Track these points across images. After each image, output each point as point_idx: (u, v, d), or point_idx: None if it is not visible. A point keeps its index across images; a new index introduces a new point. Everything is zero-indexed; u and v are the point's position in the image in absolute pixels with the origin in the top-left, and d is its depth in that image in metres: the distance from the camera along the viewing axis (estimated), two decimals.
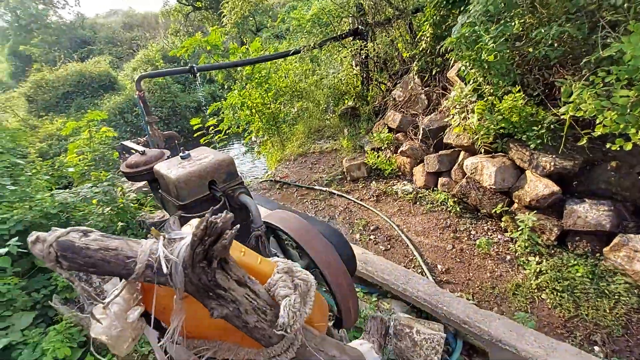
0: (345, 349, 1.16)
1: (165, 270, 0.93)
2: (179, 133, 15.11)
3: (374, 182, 5.22)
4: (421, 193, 4.67)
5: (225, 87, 10.62)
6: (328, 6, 6.96)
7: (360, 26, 6.93)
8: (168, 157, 2.09)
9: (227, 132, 9.11)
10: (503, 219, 3.69)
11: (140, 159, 2.01)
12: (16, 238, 2.75)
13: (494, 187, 3.63)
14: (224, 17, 10.55)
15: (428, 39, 5.03)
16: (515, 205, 3.63)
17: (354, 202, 4.93)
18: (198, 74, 7.29)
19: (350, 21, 7.24)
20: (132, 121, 14.61)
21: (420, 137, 4.91)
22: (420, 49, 5.15)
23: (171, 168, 1.74)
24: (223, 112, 9.24)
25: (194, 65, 6.97)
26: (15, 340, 2.51)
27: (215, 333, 1.17)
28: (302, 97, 8.91)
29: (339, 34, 7.01)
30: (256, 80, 8.23)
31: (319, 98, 8.19)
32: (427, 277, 3.33)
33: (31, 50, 22.29)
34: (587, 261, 3.09)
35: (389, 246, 3.99)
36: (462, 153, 4.24)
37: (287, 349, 1.07)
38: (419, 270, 3.52)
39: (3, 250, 2.63)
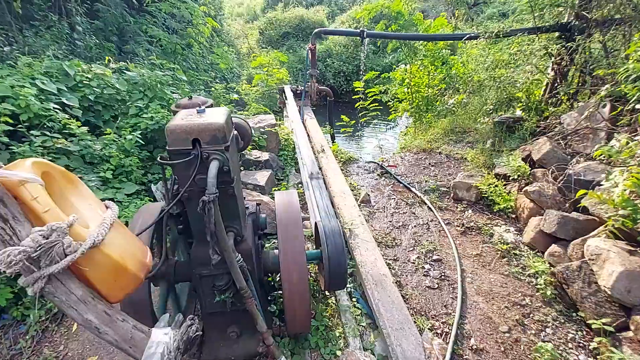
0: (116, 323, 1.18)
1: None
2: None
3: (474, 211, 4.32)
4: (519, 250, 3.61)
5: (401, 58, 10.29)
6: None
7: (575, 21, 5.29)
8: (209, 106, 2.36)
9: (387, 104, 9.02)
10: (600, 340, 2.51)
11: (185, 102, 2.36)
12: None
13: (609, 292, 2.46)
14: None
15: None
16: (631, 333, 2.38)
17: (439, 222, 4.27)
18: (366, 40, 7.36)
19: (566, 12, 5.58)
20: (319, 69, 16.20)
21: (560, 183, 3.65)
22: (624, 70, 3.57)
23: (178, 116, 1.99)
24: (389, 84, 9.14)
25: (364, 29, 7.05)
26: (117, 198, 3.58)
27: None
28: (470, 91, 7.79)
29: (538, 25, 5.58)
30: (430, 59, 7.62)
31: (489, 96, 6.95)
32: (435, 339, 2.72)
33: None
34: None
35: (436, 285, 3.39)
36: (600, 227, 2.96)
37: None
38: (441, 331, 2.90)
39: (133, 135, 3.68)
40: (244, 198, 2.63)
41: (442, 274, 3.52)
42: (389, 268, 3.49)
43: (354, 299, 3.06)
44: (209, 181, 1.78)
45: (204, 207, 1.78)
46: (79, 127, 3.55)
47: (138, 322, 1.22)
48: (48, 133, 3.44)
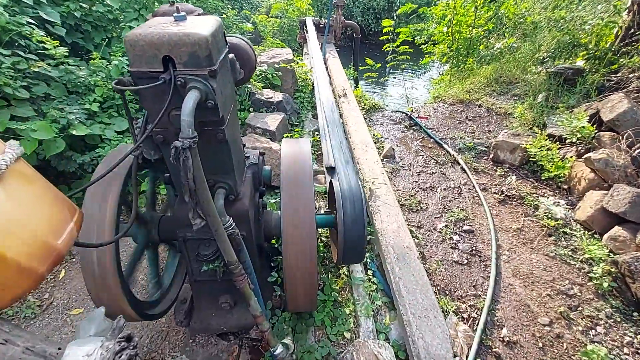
0: (18, 333, 0.75)
1: None
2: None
3: (517, 177, 3.69)
4: (570, 229, 3.04)
5: None
6: None
7: None
8: (199, 14, 1.74)
9: (420, 47, 7.92)
10: None
11: (164, 8, 1.74)
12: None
13: None
14: None
15: None
16: None
17: (474, 186, 3.68)
18: None
19: None
20: (345, 3, 14.55)
21: (636, 152, 2.95)
22: None
23: (145, 24, 1.40)
24: (424, 24, 7.95)
25: None
26: (105, 136, 3.11)
27: None
28: (522, 33, 6.64)
29: None
30: None
31: (545, 42, 5.88)
32: (460, 325, 2.30)
33: None
34: None
35: (465, 260, 2.91)
36: None
37: None
38: (467, 315, 2.47)
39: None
40: (244, 146, 2.10)
41: (474, 248, 3.02)
42: (412, 236, 3.02)
43: (369, 272, 2.63)
44: (183, 120, 1.24)
45: (177, 156, 1.26)
46: (55, 47, 2.97)
47: (39, 340, 0.77)
48: (22, 53, 2.89)
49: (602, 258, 2.65)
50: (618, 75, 4.31)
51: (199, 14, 1.74)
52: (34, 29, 3.01)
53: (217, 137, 1.55)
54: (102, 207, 1.66)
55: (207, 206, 1.43)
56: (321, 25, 7.58)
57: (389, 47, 7.70)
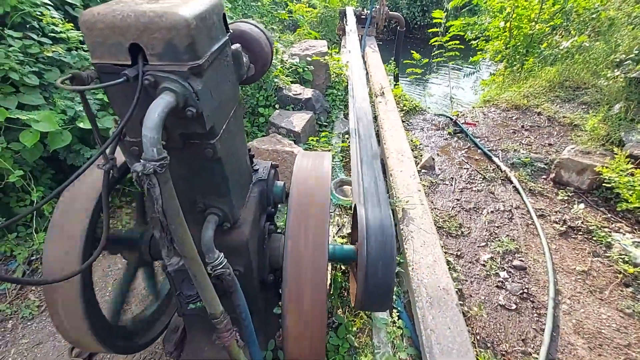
0: None
1: None
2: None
3: (585, 205, 3.06)
4: None
5: None
6: None
7: None
8: None
9: (471, 44, 7.20)
10: None
11: None
12: None
13: None
14: None
15: None
16: None
17: (528, 211, 3.10)
18: None
19: None
20: None
21: None
22: None
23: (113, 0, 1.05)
24: (478, 18, 7.20)
25: None
26: None
27: None
28: (595, 32, 5.75)
29: None
30: None
31: (624, 42, 5.00)
32: None
33: None
34: None
35: (513, 305, 2.40)
36: None
37: None
38: None
39: None
40: (252, 157, 1.73)
41: (525, 290, 2.49)
42: (449, 267, 2.54)
43: (395, 312, 2.20)
44: (145, 137, 0.88)
45: (139, 183, 0.92)
46: (67, 30, 2.75)
47: None
48: (34, 36, 2.70)
49: None
50: None
51: None
52: (48, 10, 2.82)
53: (206, 154, 1.19)
54: (68, 229, 1.37)
55: (182, 246, 1.07)
56: (362, 17, 7.04)
57: (437, 40, 7.02)
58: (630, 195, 2.88)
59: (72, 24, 2.86)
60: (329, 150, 3.51)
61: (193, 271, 1.13)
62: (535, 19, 5.84)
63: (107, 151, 1.14)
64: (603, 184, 3.06)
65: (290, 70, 4.20)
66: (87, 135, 2.89)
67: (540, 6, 5.59)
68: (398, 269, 2.42)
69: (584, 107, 4.45)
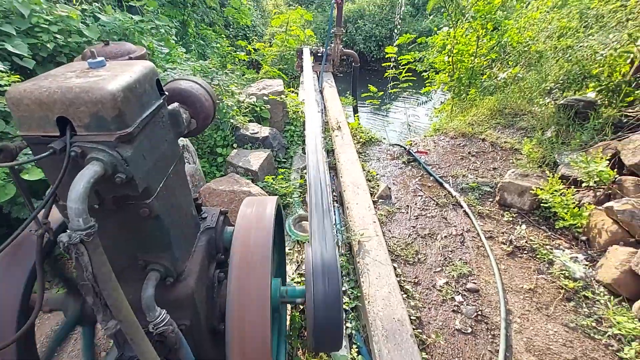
0: None
1: None
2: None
3: (527, 225, 3.29)
4: (593, 292, 2.61)
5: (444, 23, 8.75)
6: None
7: None
8: (134, 58, 1.44)
9: (422, 75, 7.77)
10: None
11: (97, 48, 1.44)
12: None
13: None
14: None
15: None
16: None
17: (478, 233, 3.28)
18: None
19: None
20: (348, 31, 14.67)
21: None
22: None
23: (44, 75, 1.09)
24: (426, 52, 7.79)
25: None
26: None
27: None
28: (527, 63, 6.40)
29: None
30: (480, 21, 6.20)
31: (552, 72, 5.60)
32: None
33: None
34: None
35: (469, 329, 2.48)
36: None
37: None
38: None
39: None
40: (201, 205, 1.75)
41: (479, 312, 2.59)
42: (407, 295, 2.62)
43: (354, 348, 2.22)
44: (70, 208, 0.91)
45: (66, 251, 0.93)
46: (11, 82, 2.71)
47: None
48: None
49: (635, 334, 2.21)
50: (636, 110, 3.97)
51: (137, 57, 1.45)
52: None
53: (142, 214, 1.21)
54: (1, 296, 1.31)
55: (117, 310, 1.07)
56: (319, 54, 7.43)
57: (390, 73, 7.54)
58: (565, 213, 3.14)
59: (19, 76, 2.82)
60: (288, 186, 3.58)
61: (130, 334, 1.12)
62: (474, 54, 6.43)
63: (40, 216, 1.14)
64: (541, 204, 3.31)
65: (247, 109, 4.31)
66: (35, 186, 2.79)
67: (477, 43, 6.17)
68: (356, 303, 2.46)
69: (522, 132, 4.86)
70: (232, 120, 3.89)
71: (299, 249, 3.03)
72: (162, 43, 3.96)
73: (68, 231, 0.91)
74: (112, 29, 3.75)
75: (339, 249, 2.95)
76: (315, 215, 1.97)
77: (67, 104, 0.98)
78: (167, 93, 1.32)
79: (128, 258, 1.36)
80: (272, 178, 3.50)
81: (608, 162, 3.05)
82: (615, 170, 3.06)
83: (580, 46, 4.91)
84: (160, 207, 1.26)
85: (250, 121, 4.22)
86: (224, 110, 3.83)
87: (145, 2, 4.39)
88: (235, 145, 3.88)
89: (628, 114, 3.80)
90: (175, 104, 1.43)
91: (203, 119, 1.64)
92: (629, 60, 4.53)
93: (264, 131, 4.00)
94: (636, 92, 4.28)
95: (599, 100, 4.43)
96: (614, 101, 4.17)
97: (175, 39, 4.55)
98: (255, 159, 3.55)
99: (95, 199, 1.10)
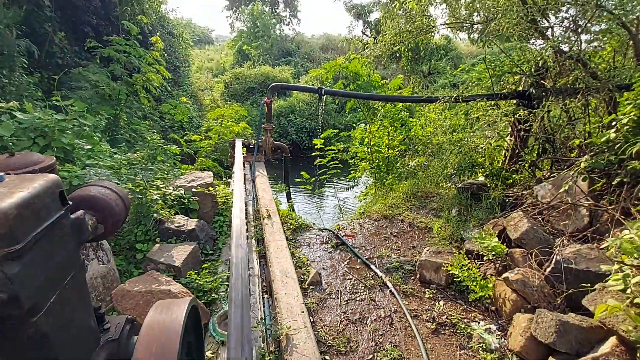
0: None
1: None
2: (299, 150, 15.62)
3: (445, 300, 3.53)
4: None
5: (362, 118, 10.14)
6: (501, 60, 5.51)
7: (532, 89, 5.17)
8: (40, 169, 1.46)
9: (349, 162, 8.65)
10: None
11: (3, 160, 1.45)
12: None
13: None
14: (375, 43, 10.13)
15: (626, 127, 3.08)
16: None
17: (405, 314, 3.40)
18: (324, 97, 7.00)
19: (522, 81, 5.52)
20: (281, 124, 15.98)
21: (547, 271, 3.00)
22: (605, 139, 3.19)
23: None
24: (351, 143, 8.78)
25: (322, 87, 6.69)
26: None
27: None
28: (430, 154, 7.52)
29: (497, 91, 5.44)
30: (389, 120, 7.33)
31: (449, 161, 6.63)
32: None
33: (250, 50, 27.69)
34: None
35: None
36: (612, 339, 2.24)
37: None
38: None
39: None
40: (103, 314, 1.63)
41: None
42: None
43: None
44: None
45: None
46: None
47: None
48: None
49: None
50: (514, 190, 4.80)
51: (43, 167, 1.47)
52: None
53: (26, 334, 1.11)
54: None
55: None
56: (251, 146, 7.92)
57: (319, 162, 8.24)
58: (475, 286, 3.46)
59: None
60: (213, 280, 3.44)
61: None
62: (388, 145, 7.42)
63: None
64: (454, 279, 3.62)
65: (174, 202, 4.27)
66: None
67: (388, 138, 7.19)
68: None
69: (433, 212, 5.47)
70: (154, 215, 3.79)
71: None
72: (84, 140, 3.94)
73: None
74: (29, 126, 3.67)
75: (267, 346, 2.80)
76: (234, 313, 1.93)
77: None
78: (70, 203, 1.34)
79: None
80: (196, 273, 3.35)
81: (497, 237, 3.55)
82: (505, 244, 3.56)
83: (467, 140, 6.00)
84: (49, 325, 1.17)
85: (176, 213, 4.15)
86: (147, 205, 3.75)
87: (71, 102, 4.44)
88: (158, 239, 3.72)
89: (508, 194, 4.58)
90: (80, 212, 1.44)
91: (113, 223, 1.65)
92: (503, 153, 5.64)
93: (190, 223, 3.94)
94: (513, 176, 5.25)
95: (488, 183, 5.30)
96: (498, 184, 5.02)
97: (100, 135, 4.54)
98: (179, 253, 3.41)
99: None
